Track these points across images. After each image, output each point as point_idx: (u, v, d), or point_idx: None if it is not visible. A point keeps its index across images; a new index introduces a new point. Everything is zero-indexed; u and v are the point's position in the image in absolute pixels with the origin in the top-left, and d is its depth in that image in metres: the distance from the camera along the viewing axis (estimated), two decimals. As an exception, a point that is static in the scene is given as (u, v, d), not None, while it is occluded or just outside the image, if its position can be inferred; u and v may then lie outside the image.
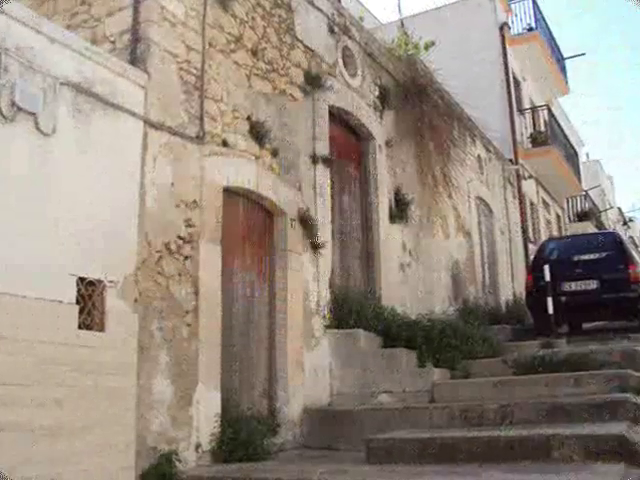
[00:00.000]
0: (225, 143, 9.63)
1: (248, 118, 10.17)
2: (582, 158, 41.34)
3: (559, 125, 28.94)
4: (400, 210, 14.34)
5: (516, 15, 27.49)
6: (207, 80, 9.40)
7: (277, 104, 10.91)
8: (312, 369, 10.70)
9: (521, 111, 26.50)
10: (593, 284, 15.24)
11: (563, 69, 31.39)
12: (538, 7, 27.91)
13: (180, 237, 8.58)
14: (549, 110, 27.76)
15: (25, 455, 6.40)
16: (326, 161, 11.87)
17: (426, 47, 17.05)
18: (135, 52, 8.57)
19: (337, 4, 13.36)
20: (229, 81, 9.86)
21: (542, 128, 27.35)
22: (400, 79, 15.35)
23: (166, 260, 8.33)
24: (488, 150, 21.19)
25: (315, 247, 11.21)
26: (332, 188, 12.16)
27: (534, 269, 16.32)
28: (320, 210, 11.52)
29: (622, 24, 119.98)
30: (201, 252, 8.81)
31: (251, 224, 10.29)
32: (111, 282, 7.54)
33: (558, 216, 31.71)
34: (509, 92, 24.91)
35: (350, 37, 13.48)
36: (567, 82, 31.59)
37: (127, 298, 7.70)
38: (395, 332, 11.72)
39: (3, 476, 6.05)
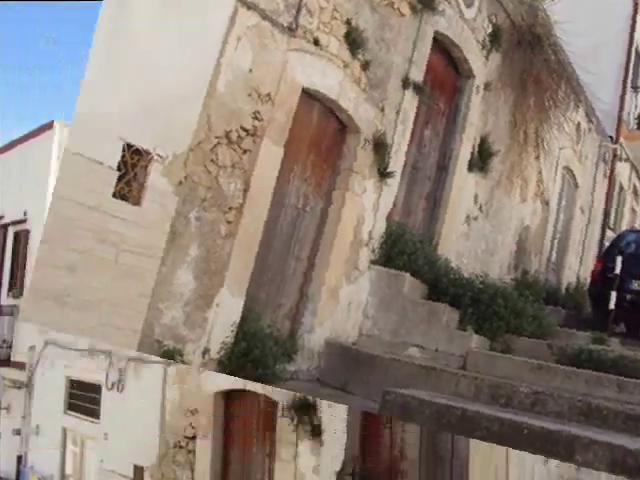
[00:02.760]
0: (316, 42, 9.35)
1: (347, 22, 9.85)
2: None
3: (674, 113, 28.18)
4: (481, 160, 13.99)
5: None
6: (314, -31, 9.12)
7: (381, 15, 10.55)
8: (347, 302, 10.55)
9: (635, 89, 25.70)
10: (665, 289, 14.83)
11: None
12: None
13: (244, 128, 8.38)
14: (666, 93, 27.01)
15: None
16: (417, 88, 11.53)
17: (553, -4, 16.55)
18: None
19: None
20: (337, -24, 9.56)
21: (654, 112, 26.66)
22: (517, 22, 14.85)
23: (222, 149, 8.15)
24: (590, 120, 20.61)
25: (382, 175, 10.94)
26: (416, 118, 11.83)
27: (605, 258, 15.90)
28: (397, 138, 11.21)
29: None
30: (261, 149, 8.62)
31: (321, 134, 10.06)
32: (159, 156, 7.38)
33: (645, 208, 31.05)
34: (627, 65, 24.13)
35: (477, -38, 13.05)
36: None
37: (172, 177, 7.55)
38: (443, 286, 11.49)
39: None
